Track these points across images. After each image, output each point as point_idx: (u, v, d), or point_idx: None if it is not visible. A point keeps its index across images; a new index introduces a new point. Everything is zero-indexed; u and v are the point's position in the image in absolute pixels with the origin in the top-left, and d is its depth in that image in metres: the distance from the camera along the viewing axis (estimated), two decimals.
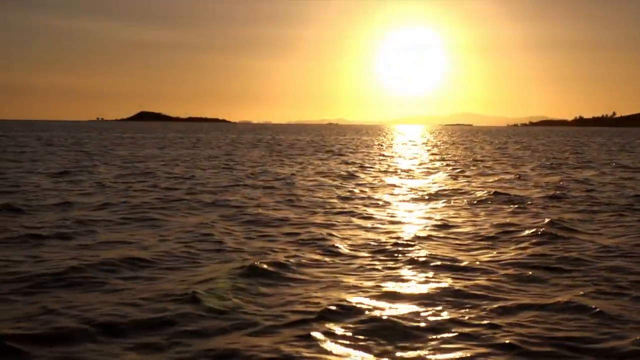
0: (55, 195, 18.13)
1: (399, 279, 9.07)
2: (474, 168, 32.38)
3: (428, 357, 6.20)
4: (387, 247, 11.15)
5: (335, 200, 18.04)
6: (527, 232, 12.66)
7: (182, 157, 38.66)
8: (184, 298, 7.84)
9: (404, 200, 18.28)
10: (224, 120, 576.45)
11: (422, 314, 7.44)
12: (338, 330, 6.84)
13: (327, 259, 10.30)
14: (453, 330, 6.88)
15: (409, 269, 9.68)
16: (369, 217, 14.88)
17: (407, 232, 12.67)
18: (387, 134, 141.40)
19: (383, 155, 46.19)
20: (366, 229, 13.19)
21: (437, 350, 6.36)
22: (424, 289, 8.51)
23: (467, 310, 7.63)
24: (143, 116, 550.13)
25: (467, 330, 6.91)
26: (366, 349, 6.38)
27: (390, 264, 10.03)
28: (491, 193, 19.65)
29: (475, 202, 17.91)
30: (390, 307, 7.67)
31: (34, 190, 19.39)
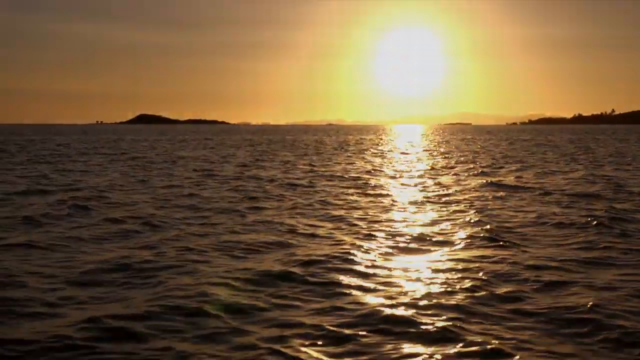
0: (117, 195, 18.65)
1: (510, 262, 9.77)
2: (508, 165, 32.79)
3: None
4: (488, 236, 11.85)
5: (407, 195, 18.66)
6: (596, 222, 13.21)
7: (213, 158, 39.09)
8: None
9: (467, 193, 18.87)
10: (223, 122, 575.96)
11: (551, 295, 8.19)
12: (482, 304, 7.68)
13: (434, 248, 10.97)
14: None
15: (515, 254, 10.42)
16: (459, 211, 15.36)
17: (495, 223, 13.29)
18: (392, 133, 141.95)
19: (405, 153, 46.77)
20: (459, 224, 13.52)
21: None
22: (539, 271, 9.28)
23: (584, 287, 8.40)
24: (142, 119, 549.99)
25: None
26: (497, 316, 7.18)
27: (496, 251, 10.72)
28: (547, 188, 20.26)
29: (535, 196, 18.51)
30: (507, 285, 8.51)
31: (93, 190, 19.65)
